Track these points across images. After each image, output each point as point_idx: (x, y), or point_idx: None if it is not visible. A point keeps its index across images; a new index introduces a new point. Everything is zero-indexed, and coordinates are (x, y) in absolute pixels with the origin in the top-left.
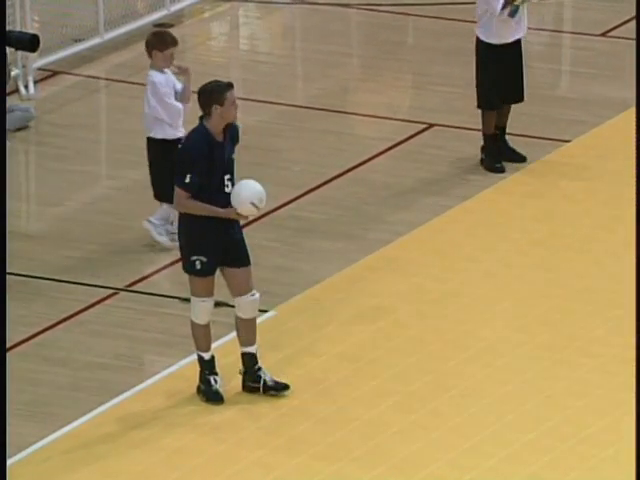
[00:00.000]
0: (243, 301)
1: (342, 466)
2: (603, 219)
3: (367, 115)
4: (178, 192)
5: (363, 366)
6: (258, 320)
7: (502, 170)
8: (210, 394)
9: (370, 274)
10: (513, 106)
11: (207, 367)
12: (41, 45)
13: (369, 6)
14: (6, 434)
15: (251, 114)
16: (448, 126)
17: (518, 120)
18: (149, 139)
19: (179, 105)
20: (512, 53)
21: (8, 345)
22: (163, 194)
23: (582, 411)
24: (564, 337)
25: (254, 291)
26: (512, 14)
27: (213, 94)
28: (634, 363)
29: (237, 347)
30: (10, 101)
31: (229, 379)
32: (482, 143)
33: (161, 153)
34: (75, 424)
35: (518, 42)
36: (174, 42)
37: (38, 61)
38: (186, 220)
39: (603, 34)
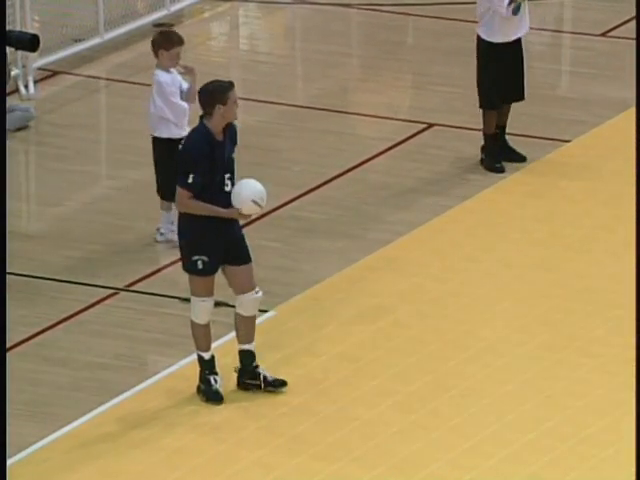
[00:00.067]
0: (246, 299)
1: (342, 466)
2: (603, 219)
3: (367, 115)
4: (180, 192)
5: (363, 366)
6: (258, 320)
7: (502, 170)
8: (210, 394)
9: (370, 274)
10: (513, 106)
11: (207, 367)
12: (41, 45)
13: (369, 6)
14: (6, 434)
15: (251, 114)
16: (448, 126)
17: (518, 120)
18: (154, 138)
19: (185, 105)
20: (513, 52)
21: (8, 345)
22: (168, 193)
23: (582, 411)
24: (564, 337)
25: (257, 289)
26: (515, 12)
27: (216, 94)
28: (634, 363)
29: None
30: (10, 101)
31: (229, 379)
32: (482, 143)
33: (166, 152)
34: (75, 424)
35: (519, 41)
36: (180, 41)
37: (38, 61)
38: (186, 220)
39: (603, 34)
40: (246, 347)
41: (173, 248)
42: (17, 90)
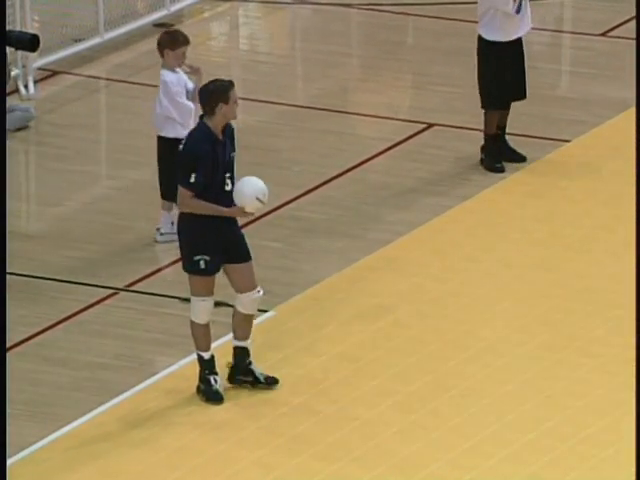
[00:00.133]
0: (248, 298)
1: (342, 466)
2: (603, 219)
3: (367, 115)
4: (183, 192)
5: (363, 366)
6: (258, 320)
7: (502, 170)
8: (210, 394)
9: (370, 274)
10: (513, 106)
11: (207, 367)
12: (41, 45)
13: (369, 6)
14: (6, 434)
15: (251, 114)
16: (448, 126)
17: (518, 120)
18: (159, 138)
19: (191, 104)
20: (514, 51)
21: (8, 345)
22: (170, 193)
23: (582, 411)
24: (564, 337)
25: (259, 288)
26: (517, 10)
27: (218, 93)
28: (634, 363)
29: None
30: (10, 101)
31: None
32: (482, 143)
33: (171, 152)
34: (75, 424)
35: (519, 40)
36: (186, 41)
37: (38, 61)
38: (187, 220)
39: (603, 34)
40: (242, 344)
41: (173, 248)
42: (17, 90)
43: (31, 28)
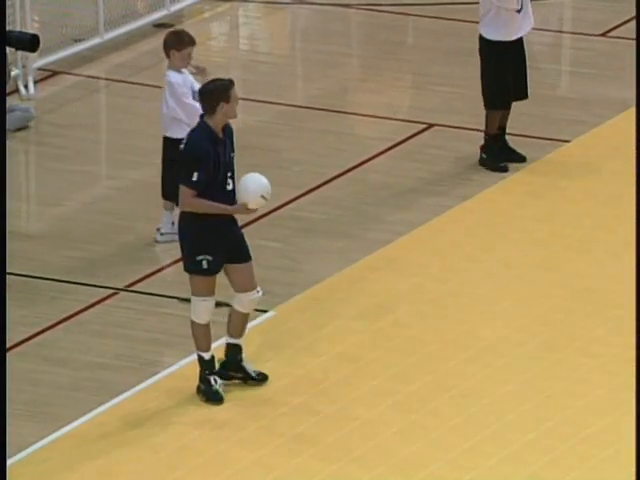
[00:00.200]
0: (248, 298)
1: (342, 466)
2: (603, 219)
3: (367, 115)
4: (185, 191)
5: (363, 366)
6: (258, 320)
7: (506, 169)
8: (210, 394)
9: (370, 274)
10: (513, 106)
11: (207, 367)
12: (41, 45)
13: (369, 6)
14: (6, 434)
15: (251, 114)
16: (448, 126)
17: (518, 120)
18: (165, 138)
19: (197, 105)
20: (515, 50)
21: (8, 345)
22: (173, 194)
23: (582, 411)
24: (564, 337)
25: (259, 288)
26: (519, 9)
27: (219, 92)
28: (634, 363)
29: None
30: (10, 101)
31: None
32: (482, 143)
33: (177, 152)
34: (75, 424)
35: (521, 39)
36: (192, 41)
37: (38, 61)
38: (188, 219)
39: (603, 34)
40: (236, 341)
41: (173, 248)
42: (17, 90)
43: (31, 28)
